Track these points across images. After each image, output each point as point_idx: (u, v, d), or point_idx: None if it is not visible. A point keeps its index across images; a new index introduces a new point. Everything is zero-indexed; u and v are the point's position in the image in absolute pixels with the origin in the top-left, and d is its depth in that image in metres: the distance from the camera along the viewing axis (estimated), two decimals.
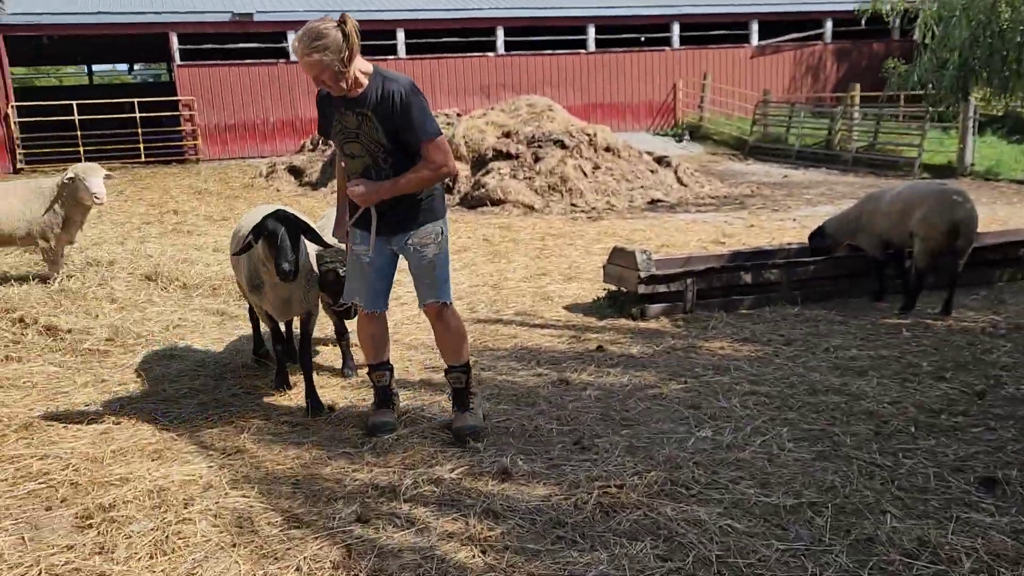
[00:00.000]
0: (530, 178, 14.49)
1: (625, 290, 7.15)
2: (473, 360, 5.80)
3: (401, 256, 4.29)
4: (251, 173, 18.28)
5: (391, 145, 3.95)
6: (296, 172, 17.46)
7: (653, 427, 4.45)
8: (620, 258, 7.18)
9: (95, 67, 34.34)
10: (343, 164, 4.23)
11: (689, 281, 7.05)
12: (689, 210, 13.94)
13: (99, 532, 3.38)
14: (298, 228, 4.30)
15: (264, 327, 5.48)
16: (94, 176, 7.06)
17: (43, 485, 3.83)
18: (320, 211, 13.68)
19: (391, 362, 4.57)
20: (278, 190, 16.34)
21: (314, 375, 4.89)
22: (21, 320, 6.16)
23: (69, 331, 6.06)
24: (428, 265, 4.17)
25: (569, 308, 7.37)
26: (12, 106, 19.81)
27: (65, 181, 7.08)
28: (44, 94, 26.66)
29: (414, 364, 5.71)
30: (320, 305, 5.17)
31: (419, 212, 4.11)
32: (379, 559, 3.18)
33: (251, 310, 5.64)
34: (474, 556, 3.19)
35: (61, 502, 3.67)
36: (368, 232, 4.13)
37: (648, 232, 11.51)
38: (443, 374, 4.52)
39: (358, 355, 5.34)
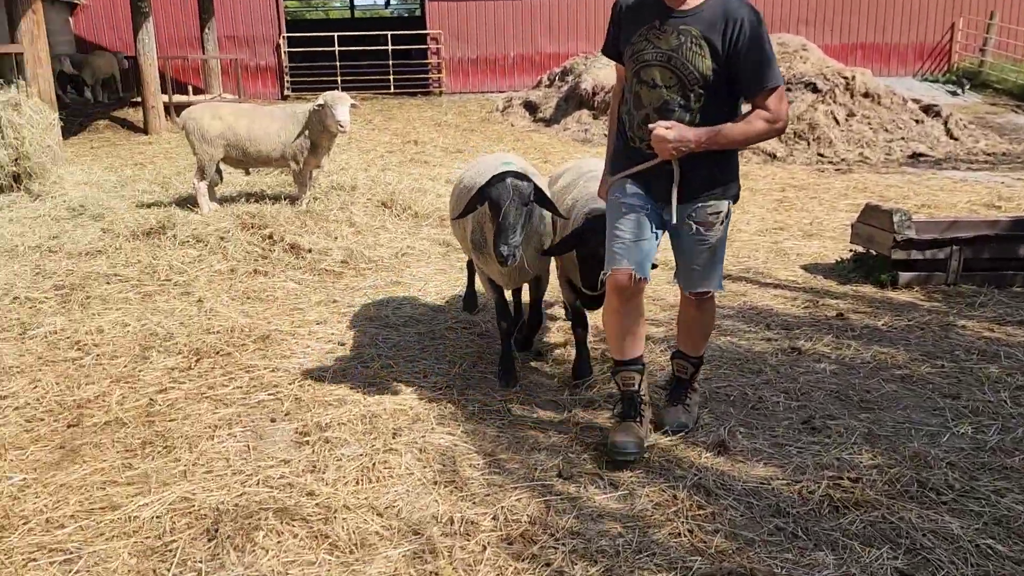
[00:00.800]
0: None
1: (875, 253, 6.39)
2: None
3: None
4: (488, 107, 18.60)
5: (713, 80, 3.11)
6: (531, 107, 17.51)
7: (899, 414, 3.88)
8: (872, 217, 6.41)
9: (356, 1, 36.49)
10: (629, 96, 3.31)
11: (954, 249, 6.15)
12: (958, 167, 12.31)
13: (314, 450, 3.50)
14: (527, 198, 3.59)
15: (481, 286, 4.78)
16: (341, 105, 7.36)
17: (272, 397, 4.05)
18: (552, 149, 13.65)
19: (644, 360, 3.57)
20: (512, 124, 16.48)
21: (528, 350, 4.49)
22: (270, 237, 6.62)
23: (309, 251, 6.43)
24: (707, 249, 3.36)
25: (807, 268, 6.73)
26: (283, 37, 21.51)
27: (315, 108, 7.45)
28: (311, 27, 28.75)
29: None
30: (560, 284, 4.36)
31: (716, 181, 3.26)
32: (578, 520, 3.01)
33: (470, 263, 5.07)
34: (679, 535, 2.92)
35: (285, 415, 3.86)
36: (642, 191, 3.29)
37: (906, 190, 10.29)
38: (671, 358, 3.85)
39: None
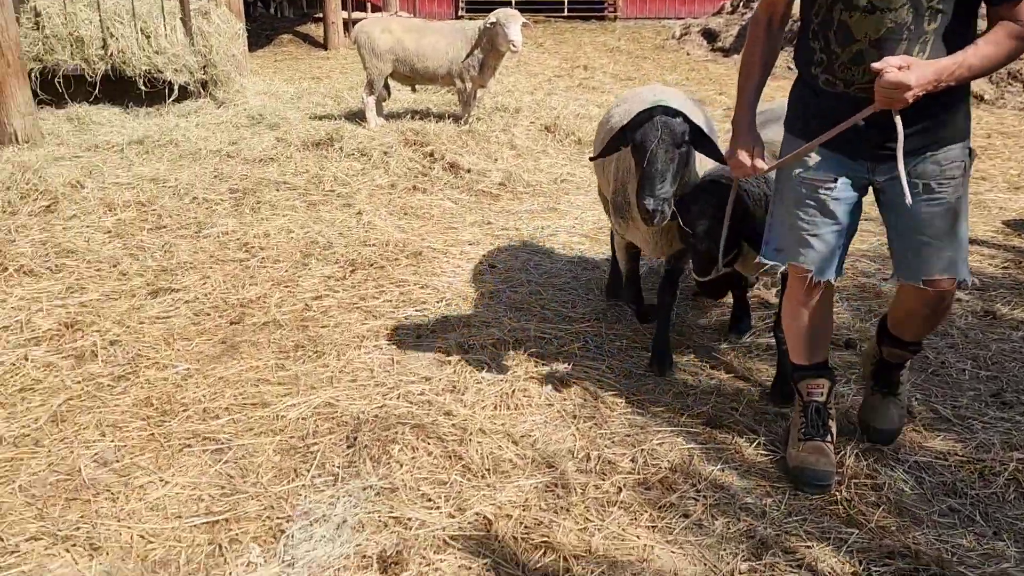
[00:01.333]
0: None
1: None
2: (875, 267, 4.98)
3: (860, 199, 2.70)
4: (664, 34, 17.80)
5: None
6: (709, 35, 16.58)
7: None
8: None
9: None
10: (824, 30, 2.50)
11: None
12: None
13: (455, 371, 3.47)
14: (680, 138, 2.91)
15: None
16: (513, 23, 7.17)
17: (419, 313, 4.05)
18: (730, 80, 12.87)
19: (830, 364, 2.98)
20: (688, 53, 15.70)
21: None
22: (431, 155, 6.63)
23: (468, 171, 6.38)
24: (944, 213, 2.52)
25: (1011, 224, 5.98)
26: None
27: (487, 26, 7.31)
28: None
29: None
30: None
31: (946, 121, 2.49)
32: (723, 473, 2.82)
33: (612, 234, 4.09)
34: (836, 502, 2.67)
35: (430, 332, 3.85)
36: (834, 155, 2.60)
37: None
38: (880, 343, 3.03)
39: None
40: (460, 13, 21.43)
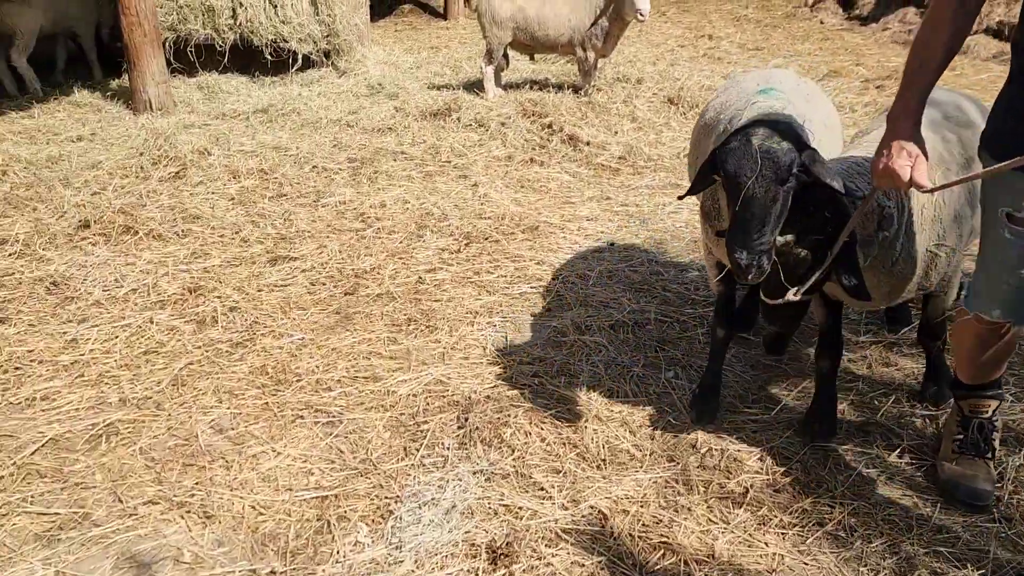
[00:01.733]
0: None
1: None
2: None
3: None
4: (795, 1, 16.89)
5: None
6: (845, 2, 15.60)
7: None
8: None
9: None
10: None
11: None
12: None
13: (570, 352, 3.32)
14: (785, 172, 2.18)
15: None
16: None
17: (534, 290, 3.92)
18: (867, 51, 12.07)
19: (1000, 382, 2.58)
20: (822, 22, 14.82)
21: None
22: (549, 126, 6.45)
23: (588, 143, 6.18)
24: None
25: None
26: None
27: None
28: None
29: None
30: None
31: None
32: (863, 479, 2.57)
33: None
34: (995, 520, 2.38)
35: (545, 311, 3.72)
36: None
37: None
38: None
39: None
40: None
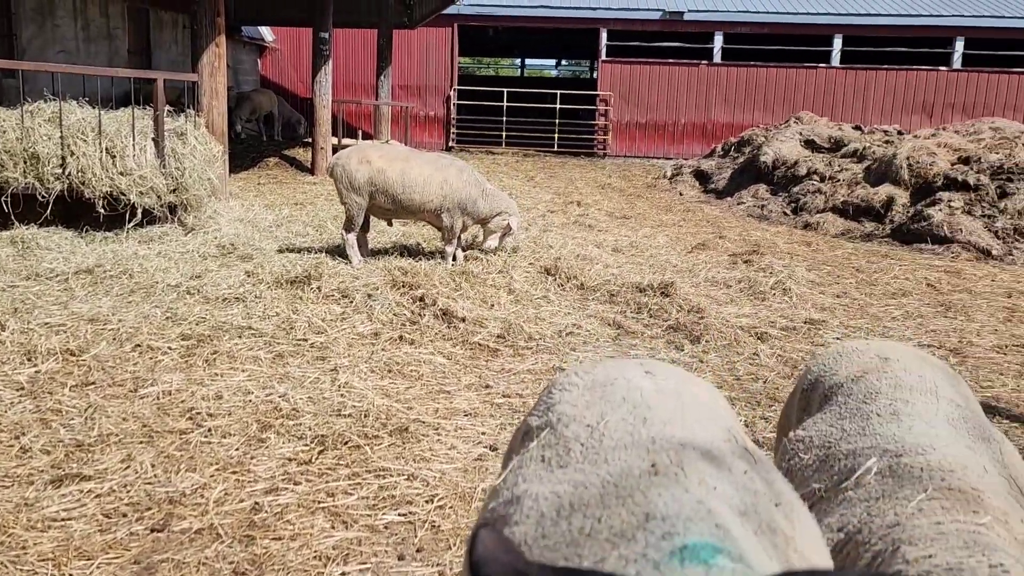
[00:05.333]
0: (990, 216, 11.72)
1: None
2: None
3: None
4: (655, 173, 17.68)
5: None
6: (702, 177, 16.42)
7: None
8: None
9: (527, 61, 36.87)
10: None
11: None
12: None
13: None
14: None
15: None
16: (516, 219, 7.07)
17: (403, 519, 3.14)
18: (727, 223, 12.46)
19: None
20: (681, 193, 15.44)
21: None
22: (422, 299, 5.85)
23: (463, 319, 5.60)
24: None
25: None
26: (454, 89, 21.57)
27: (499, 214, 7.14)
28: (481, 82, 29.03)
29: None
30: None
31: None
32: None
33: None
34: None
35: (417, 552, 2.93)
36: None
37: None
38: None
39: None
40: (451, 144, 21.39)
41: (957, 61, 20.50)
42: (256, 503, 3.17)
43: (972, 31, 20.29)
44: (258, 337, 5.03)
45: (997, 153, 12.88)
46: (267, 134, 19.09)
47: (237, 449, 3.61)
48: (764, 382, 5.20)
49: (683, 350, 5.69)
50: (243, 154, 15.45)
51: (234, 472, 3.41)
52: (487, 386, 4.65)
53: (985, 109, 20.08)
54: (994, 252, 11.25)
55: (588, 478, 1.18)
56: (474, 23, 21.72)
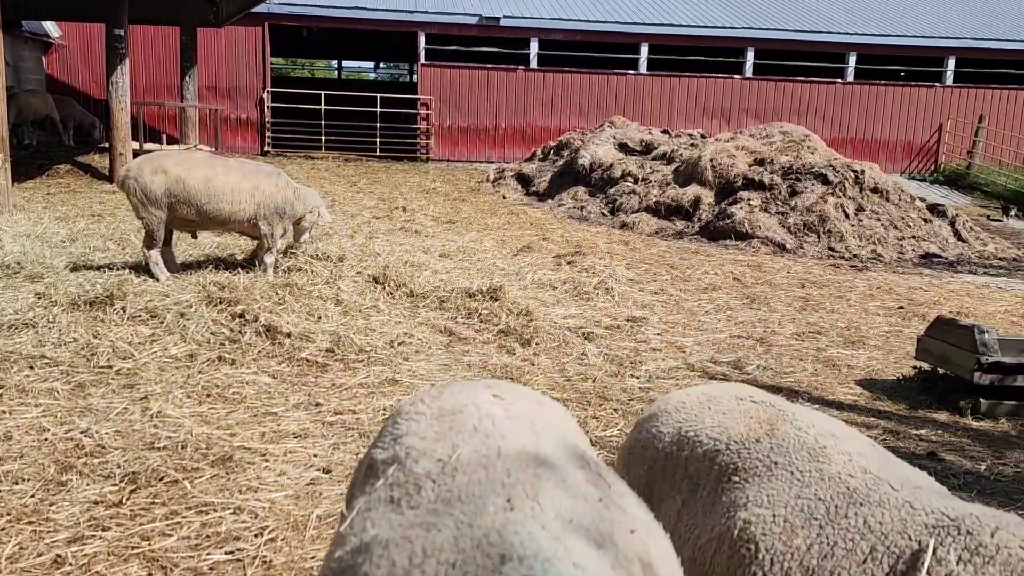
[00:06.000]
0: (783, 213, 12.78)
1: (949, 374, 5.52)
2: None
3: None
4: (478, 177, 17.84)
5: None
6: (524, 180, 16.77)
7: None
8: (947, 333, 5.56)
9: (344, 64, 36.14)
10: None
11: None
12: (975, 271, 11.66)
13: None
14: None
15: None
16: (324, 208, 6.90)
17: (231, 558, 2.92)
18: (549, 225, 12.75)
19: None
20: (504, 197, 15.67)
21: None
22: (242, 315, 5.52)
23: (289, 335, 5.34)
24: None
25: (864, 385, 5.80)
26: (268, 91, 20.71)
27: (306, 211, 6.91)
28: (297, 84, 28.11)
29: None
30: None
31: None
32: None
33: None
34: None
35: None
36: None
37: (932, 293, 9.54)
38: None
39: None
40: (267, 149, 20.53)
41: (749, 70, 22.20)
42: (58, 555, 2.83)
43: (761, 43, 22.05)
44: (53, 367, 4.54)
45: (787, 155, 14.05)
46: (54, 139, 17.43)
47: (33, 496, 3.21)
48: (593, 381, 5.34)
49: (515, 354, 5.74)
50: (28, 161, 14.04)
51: (30, 522, 3.03)
52: (317, 404, 4.45)
53: (775, 114, 21.88)
54: (788, 246, 12.26)
55: (442, 519, 1.11)
56: (286, 23, 20.97)
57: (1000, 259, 12.93)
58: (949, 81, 22.76)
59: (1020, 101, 22.80)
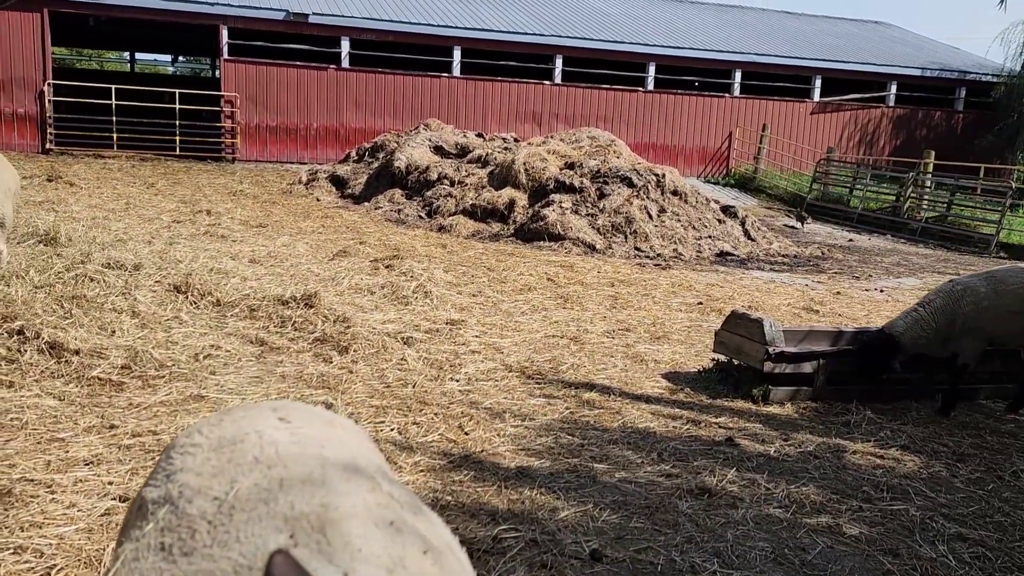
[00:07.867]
0: (593, 215, 13.33)
1: (743, 364, 5.97)
2: (578, 443, 4.61)
3: None
4: (289, 179, 17.23)
5: None
6: (338, 182, 16.39)
7: None
8: (740, 326, 6.00)
9: (138, 56, 33.68)
10: None
11: (820, 362, 5.87)
12: (763, 268, 12.74)
13: None
14: None
15: None
16: None
17: None
18: (366, 228, 12.53)
19: None
20: (318, 199, 15.24)
21: None
22: (20, 332, 4.97)
23: (77, 352, 4.88)
24: None
25: (669, 378, 6.17)
26: (49, 83, 18.90)
27: None
28: (84, 76, 25.87)
29: (505, 442, 4.49)
30: None
31: None
32: None
33: None
34: None
35: None
36: None
37: (727, 289, 10.32)
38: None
39: None
40: (48, 146, 18.74)
41: (558, 76, 23.00)
42: None
43: (568, 50, 22.91)
44: None
45: (595, 159, 14.67)
46: None
47: None
48: (413, 386, 5.30)
49: (332, 362, 5.58)
50: None
51: None
52: (112, 426, 4.09)
53: (583, 119, 22.83)
54: (598, 246, 12.81)
55: (219, 565, 1.01)
56: (69, 10, 19.22)
57: (783, 256, 14.19)
58: (737, 92, 24.70)
59: (796, 112, 25.19)
